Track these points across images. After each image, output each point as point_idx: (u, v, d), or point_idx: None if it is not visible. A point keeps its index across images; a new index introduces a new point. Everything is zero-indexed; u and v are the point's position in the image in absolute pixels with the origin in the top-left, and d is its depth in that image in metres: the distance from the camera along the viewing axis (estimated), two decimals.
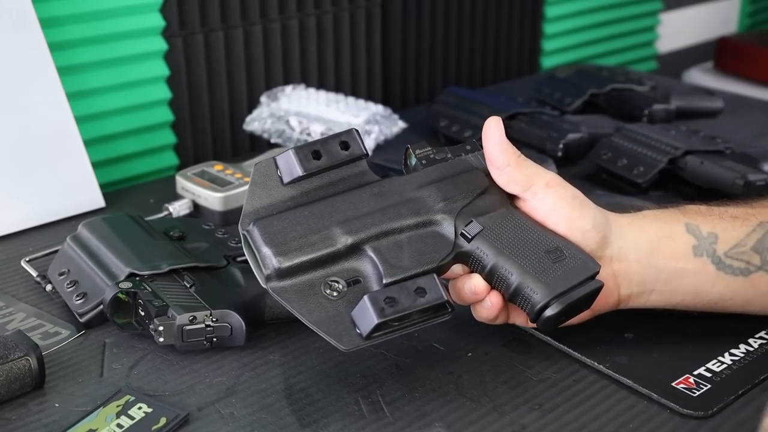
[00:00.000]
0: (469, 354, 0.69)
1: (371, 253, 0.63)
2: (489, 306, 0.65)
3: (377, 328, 0.59)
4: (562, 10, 1.57)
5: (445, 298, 0.61)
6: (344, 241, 0.63)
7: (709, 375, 0.66)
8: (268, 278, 0.62)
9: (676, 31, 1.87)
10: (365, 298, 0.59)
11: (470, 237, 0.65)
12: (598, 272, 0.65)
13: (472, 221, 0.65)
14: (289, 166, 0.65)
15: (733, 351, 0.69)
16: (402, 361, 0.68)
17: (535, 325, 0.64)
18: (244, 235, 0.64)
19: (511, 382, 0.66)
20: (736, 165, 0.95)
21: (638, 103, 1.21)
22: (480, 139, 0.70)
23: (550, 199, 0.66)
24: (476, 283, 0.64)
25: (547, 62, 1.58)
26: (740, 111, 1.29)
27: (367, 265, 0.63)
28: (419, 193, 0.66)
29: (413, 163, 0.69)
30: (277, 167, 0.66)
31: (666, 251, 0.67)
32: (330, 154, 0.66)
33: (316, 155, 0.65)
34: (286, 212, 0.64)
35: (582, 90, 1.25)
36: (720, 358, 0.68)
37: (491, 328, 0.69)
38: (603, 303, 0.67)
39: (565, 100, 1.24)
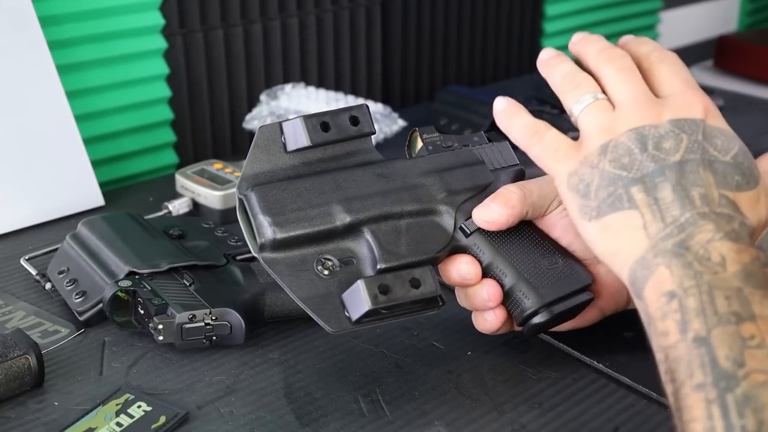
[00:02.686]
0: (469, 353, 0.69)
1: (368, 236, 0.62)
2: (493, 318, 0.65)
3: (368, 314, 0.58)
4: (562, 9, 1.57)
5: (438, 293, 0.60)
6: (343, 219, 0.62)
7: None
8: (261, 247, 0.61)
9: (676, 29, 1.87)
10: (359, 282, 0.59)
11: (469, 232, 0.65)
12: (590, 284, 0.65)
13: (471, 216, 0.65)
14: (296, 134, 0.64)
15: None
16: (402, 360, 0.68)
17: (520, 328, 0.65)
18: (240, 199, 0.63)
19: (511, 381, 0.66)
20: None
21: None
22: (487, 133, 0.70)
23: (557, 210, 0.66)
24: (465, 269, 0.64)
25: None
26: (740, 110, 1.29)
27: (363, 247, 0.62)
28: (423, 180, 0.65)
29: (418, 147, 0.68)
30: (282, 133, 0.64)
31: None
32: (339, 128, 0.64)
33: (325, 127, 0.64)
34: (287, 181, 0.63)
35: None
36: None
37: None
38: (613, 302, 0.67)
39: None
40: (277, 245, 0.61)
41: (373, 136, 1.10)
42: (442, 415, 0.62)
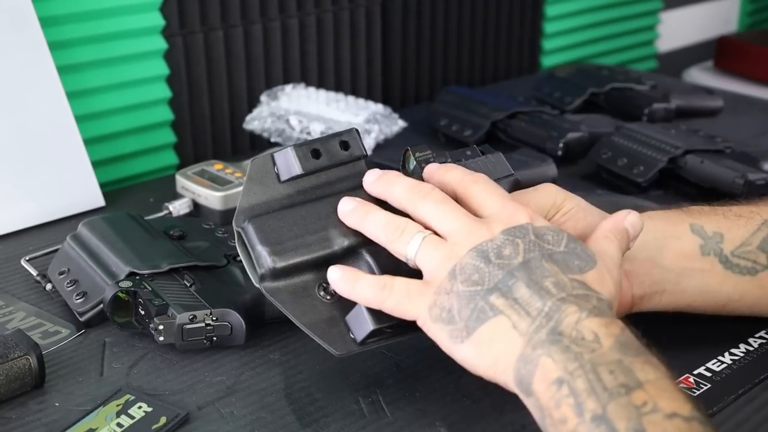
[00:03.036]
0: None
1: (367, 257, 0.62)
2: None
3: (372, 334, 0.59)
4: (562, 9, 1.57)
5: None
6: (341, 243, 0.62)
7: (709, 375, 0.66)
8: (262, 278, 0.61)
9: (676, 30, 1.87)
10: (360, 304, 0.59)
11: None
12: None
13: None
14: (288, 163, 0.64)
15: (733, 351, 0.69)
16: (402, 361, 0.68)
17: None
18: (238, 232, 0.63)
19: None
20: (736, 164, 0.95)
21: (638, 103, 1.21)
22: (479, 145, 0.70)
23: (555, 217, 0.65)
24: None
25: (547, 61, 1.58)
26: (740, 110, 1.29)
27: (363, 268, 0.62)
28: None
29: (412, 166, 0.68)
30: (274, 164, 0.64)
31: (674, 251, 0.67)
32: (329, 154, 0.65)
33: (316, 154, 0.64)
34: (283, 211, 0.63)
35: (582, 89, 1.25)
36: (720, 358, 0.68)
37: None
38: (618, 306, 0.67)
39: (565, 100, 1.24)
40: (278, 274, 0.61)
41: (373, 137, 1.11)
42: (443, 416, 0.62)
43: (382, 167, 0.94)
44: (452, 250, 0.57)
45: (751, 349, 0.69)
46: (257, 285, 0.62)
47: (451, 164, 0.64)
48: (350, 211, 0.62)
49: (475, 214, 0.60)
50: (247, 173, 0.64)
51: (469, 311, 0.55)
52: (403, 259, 0.60)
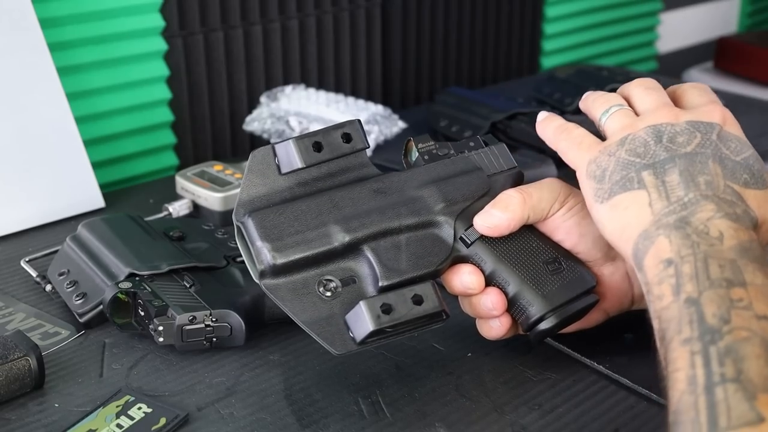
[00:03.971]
0: (469, 354, 0.69)
1: (368, 254, 0.62)
2: (498, 326, 0.65)
3: (372, 334, 0.58)
4: (562, 10, 1.57)
5: (441, 308, 0.60)
6: (342, 239, 0.62)
7: None
8: (262, 274, 0.61)
9: (676, 31, 1.87)
10: (361, 303, 0.59)
11: (469, 242, 0.64)
12: (594, 286, 0.65)
13: (472, 225, 0.65)
14: (289, 156, 0.63)
15: None
16: (402, 362, 0.68)
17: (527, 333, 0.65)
18: (238, 226, 0.63)
19: (511, 383, 0.66)
20: None
21: None
22: (482, 136, 0.70)
23: (559, 213, 0.66)
24: (468, 279, 0.64)
25: (547, 62, 1.58)
26: (740, 111, 1.28)
27: (364, 265, 0.62)
28: (420, 192, 0.65)
29: (414, 157, 0.68)
30: (275, 155, 0.64)
31: None
32: (331, 146, 0.64)
33: (317, 147, 0.64)
34: (283, 205, 0.62)
35: (582, 90, 1.24)
36: None
37: None
38: (618, 303, 0.67)
39: (565, 100, 1.24)
40: (278, 270, 0.60)
41: (373, 138, 1.11)
42: (443, 417, 0.62)
43: (382, 168, 0.95)
44: (634, 122, 0.60)
45: None
46: (257, 281, 0.61)
47: (648, 78, 0.66)
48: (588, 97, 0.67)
49: (680, 107, 0.62)
50: (248, 165, 0.63)
51: (619, 176, 0.59)
52: (596, 124, 0.64)
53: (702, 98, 0.63)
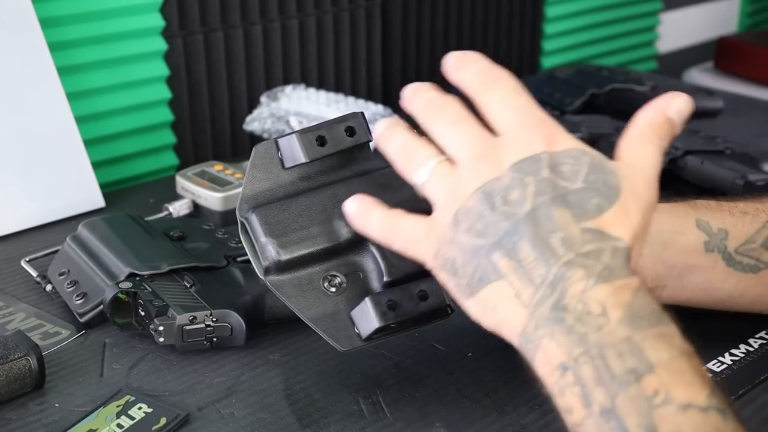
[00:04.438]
0: (470, 354, 0.69)
1: (373, 249, 0.61)
2: None
3: (377, 331, 0.58)
4: (562, 10, 1.57)
5: (447, 303, 0.60)
6: (346, 234, 0.61)
7: (709, 375, 0.66)
8: (266, 271, 0.60)
9: (677, 31, 1.87)
10: (367, 300, 0.58)
11: None
12: None
13: None
14: (293, 150, 0.62)
15: (733, 351, 0.69)
16: (402, 362, 0.68)
17: None
18: (242, 222, 0.62)
19: (512, 383, 0.66)
20: (737, 165, 0.95)
21: (638, 103, 1.19)
22: None
23: None
24: None
25: (547, 62, 1.58)
26: (740, 111, 1.29)
27: (369, 260, 0.62)
28: None
29: None
30: (278, 149, 0.63)
31: (678, 246, 0.67)
32: (335, 140, 0.63)
33: (321, 141, 0.62)
34: (287, 200, 0.62)
35: (582, 90, 1.25)
36: (720, 359, 0.68)
37: None
38: None
39: (565, 100, 1.24)
40: (283, 267, 0.60)
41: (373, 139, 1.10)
42: (443, 417, 0.62)
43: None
44: (457, 187, 0.53)
45: (752, 349, 0.69)
46: (261, 277, 0.61)
47: (469, 55, 0.58)
48: (379, 134, 0.58)
49: (492, 127, 0.54)
50: (251, 159, 0.63)
51: (472, 268, 0.51)
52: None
53: (510, 110, 0.54)
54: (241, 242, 0.64)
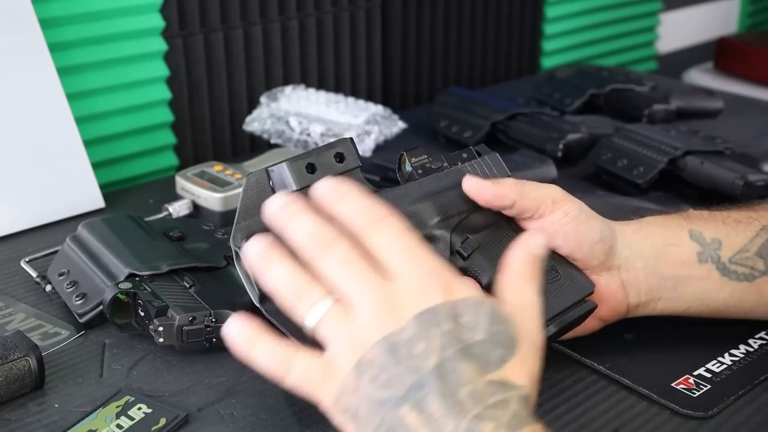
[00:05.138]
0: None
1: None
2: None
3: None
4: (562, 11, 1.57)
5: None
6: None
7: (709, 375, 0.66)
8: (261, 300, 0.60)
9: (676, 31, 1.87)
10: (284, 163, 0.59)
11: (466, 255, 0.64)
12: (592, 292, 0.65)
13: (468, 238, 0.65)
14: (283, 179, 0.63)
15: (733, 351, 0.69)
16: None
17: None
18: (236, 251, 0.63)
19: None
20: (736, 165, 0.95)
21: (638, 104, 1.21)
22: (475, 147, 0.70)
23: (557, 216, 0.65)
24: None
25: (547, 62, 1.58)
26: (740, 111, 1.29)
27: None
28: (414, 207, 0.65)
29: (408, 171, 0.68)
30: (269, 178, 0.64)
31: (671, 258, 0.67)
32: (324, 167, 0.64)
33: (311, 168, 0.63)
34: None
35: (582, 90, 1.25)
36: (720, 359, 0.68)
37: None
38: (613, 312, 0.67)
39: (565, 101, 1.24)
40: None
41: (373, 138, 1.10)
42: None
43: (382, 169, 0.95)
44: (358, 335, 0.50)
45: (751, 350, 0.69)
46: (257, 305, 0.61)
47: (347, 187, 0.54)
48: (252, 259, 0.54)
49: (382, 266, 0.52)
50: (243, 189, 0.63)
51: (378, 420, 0.49)
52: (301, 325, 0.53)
53: (400, 254, 0.52)
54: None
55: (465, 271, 0.64)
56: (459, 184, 0.66)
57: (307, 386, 0.52)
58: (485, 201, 0.64)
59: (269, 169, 0.64)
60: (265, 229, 0.61)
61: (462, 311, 0.51)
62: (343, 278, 0.51)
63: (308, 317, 0.51)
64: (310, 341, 0.53)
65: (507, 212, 0.66)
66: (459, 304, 0.51)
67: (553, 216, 0.65)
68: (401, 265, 0.51)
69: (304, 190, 0.63)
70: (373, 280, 0.51)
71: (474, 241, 0.65)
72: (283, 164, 0.63)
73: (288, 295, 0.52)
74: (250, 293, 0.62)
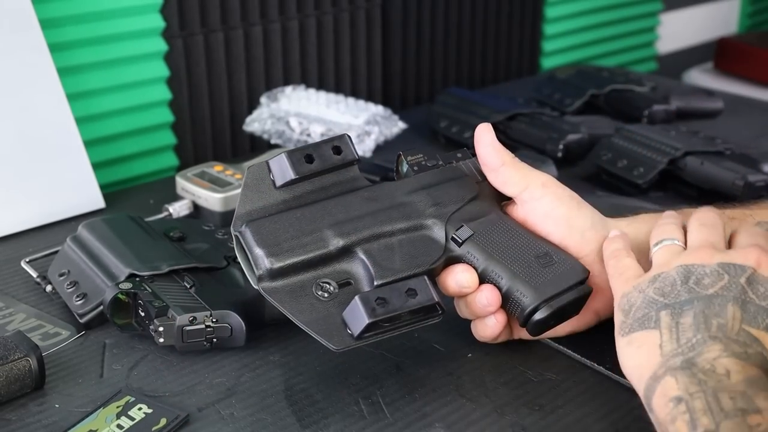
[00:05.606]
0: (469, 355, 0.69)
1: (362, 256, 0.64)
2: (494, 323, 0.65)
3: (368, 328, 0.59)
4: (562, 11, 1.57)
5: (436, 300, 0.61)
6: (336, 243, 0.63)
7: None
8: (260, 278, 0.62)
9: (676, 31, 1.87)
10: (356, 298, 0.60)
11: (461, 241, 0.66)
12: (587, 277, 0.65)
13: (462, 226, 0.66)
14: (282, 169, 0.66)
15: None
16: (402, 362, 0.68)
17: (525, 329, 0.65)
18: (236, 236, 0.64)
19: (512, 383, 0.66)
20: (736, 166, 0.95)
21: (638, 104, 1.21)
22: (472, 147, 0.71)
23: (547, 199, 0.66)
24: (462, 277, 0.65)
25: (547, 63, 1.58)
26: (740, 112, 1.29)
27: (359, 267, 0.64)
28: (410, 197, 0.67)
29: (405, 169, 0.70)
30: (269, 171, 0.66)
31: None
32: (322, 159, 0.66)
33: (309, 159, 0.66)
34: (279, 214, 0.65)
35: (582, 91, 1.25)
36: None
37: None
38: (607, 305, 0.67)
39: (565, 101, 1.24)
40: (275, 274, 0.62)
41: (373, 139, 1.11)
42: (443, 417, 0.62)
43: (382, 169, 0.95)
44: (672, 259, 0.60)
45: None
46: (255, 286, 0.63)
47: (710, 212, 0.65)
48: (668, 216, 0.67)
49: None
50: (244, 181, 0.66)
51: (641, 313, 0.59)
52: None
53: (749, 240, 0.61)
54: None
55: (460, 259, 0.66)
56: (454, 179, 0.69)
57: (614, 279, 0.63)
58: (487, 141, 0.68)
59: (269, 161, 0.66)
60: (263, 215, 0.65)
61: (762, 283, 0.57)
62: (695, 230, 0.63)
63: (654, 243, 0.63)
64: (311, 314, 0.60)
65: (493, 182, 0.68)
66: (764, 278, 0.57)
67: (544, 199, 0.66)
68: (744, 242, 0.60)
69: (302, 179, 0.65)
70: (716, 238, 0.61)
71: (468, 229, 0.66)
72: (282, 155, 0.66)
73: (656, 228, 0.65)
74: (248, 276, 0.64)
